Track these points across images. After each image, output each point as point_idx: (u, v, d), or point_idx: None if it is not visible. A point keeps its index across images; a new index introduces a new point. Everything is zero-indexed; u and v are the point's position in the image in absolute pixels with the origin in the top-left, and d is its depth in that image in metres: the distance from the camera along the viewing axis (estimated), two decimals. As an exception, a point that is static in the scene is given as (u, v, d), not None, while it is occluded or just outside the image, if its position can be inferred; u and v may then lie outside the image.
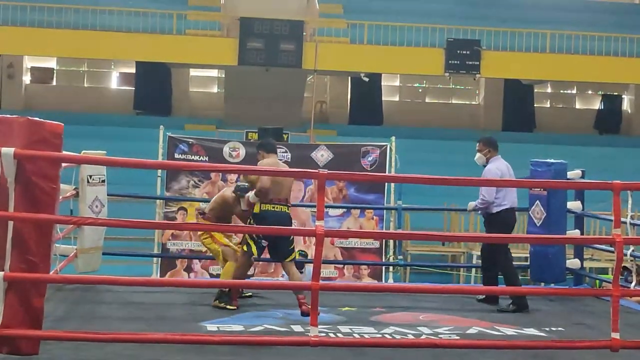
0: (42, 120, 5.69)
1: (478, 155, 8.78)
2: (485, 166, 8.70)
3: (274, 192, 7.72)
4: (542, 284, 9.72)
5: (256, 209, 7.77)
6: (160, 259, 11.10)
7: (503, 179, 8.47)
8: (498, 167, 8.59)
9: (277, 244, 7.81)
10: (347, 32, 21.96)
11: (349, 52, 21.34)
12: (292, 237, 7.94)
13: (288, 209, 7.79)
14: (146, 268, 11.46)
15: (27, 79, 25.03)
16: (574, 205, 9.53)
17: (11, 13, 20.36)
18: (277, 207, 7.73)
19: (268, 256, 8.38)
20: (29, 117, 5.65)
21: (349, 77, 24.94)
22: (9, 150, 5.42)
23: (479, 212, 8.84)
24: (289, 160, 10.95)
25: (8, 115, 5.73)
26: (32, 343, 5.62)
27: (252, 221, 7.82)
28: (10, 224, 5.50)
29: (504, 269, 8.65)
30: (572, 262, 9.60)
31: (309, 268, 9.44)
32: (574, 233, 9.55)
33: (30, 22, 20.36)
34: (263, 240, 7.78)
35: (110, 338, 5.96)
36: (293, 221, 8.15)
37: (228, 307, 7.85)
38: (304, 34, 20.95)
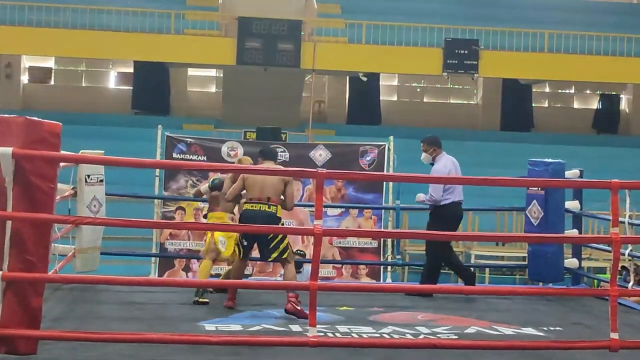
0: (40, 119, 5.67)
1: (424, 155, 9.17)
2: (432, 164, 9.08)
3: (253, 191, 7.77)
4: (540, 283, 9.71)
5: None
6: (158, 258, 11.10)
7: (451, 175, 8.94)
8: (445, 164, 9.00)
9: (258, 243, 7.87)
10: (345, 32, 21.94)
11: (347, 52, 21.33)
12: (275, 236, 7.73)
13: (269, 208, 7.73)
14: (144, 268, 11.46)
15: (25, 78, 25.00)
16: (572, 204, 9.52)
17: (9, 12, 20.32)
18: (255, 206, 7.75)
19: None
20: (27, 117, 5.64)
21: (347, 77, 24.92)
22: (7, 150, 5.41)
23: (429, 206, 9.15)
24: (287, 159, 10.96)
25: (6, 115, 5.72)
26: (30, 343, 5.62)
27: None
28: (9, 223, 5.50)
29: (432, 260, 9.11)
30: (570, 262, 9.59)
31: (307, 268, 9.43)
32: (572, 232, 9.54)
33: (29, 22, 20.33)
34: (243, 240, 7.85)
35: (108, 338, 5.96)
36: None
37: (200, 300, 7.91)
38: (302, 33, 20.95)
